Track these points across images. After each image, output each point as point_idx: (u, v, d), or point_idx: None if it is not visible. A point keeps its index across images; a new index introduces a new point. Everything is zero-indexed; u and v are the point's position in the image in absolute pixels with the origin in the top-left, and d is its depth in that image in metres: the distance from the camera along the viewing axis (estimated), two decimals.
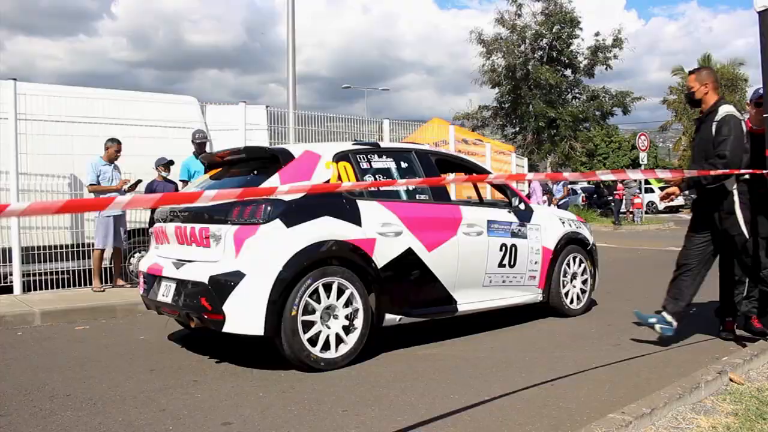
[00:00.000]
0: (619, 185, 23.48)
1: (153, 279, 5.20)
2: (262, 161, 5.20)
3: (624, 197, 23.73)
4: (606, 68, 28.42)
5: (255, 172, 5.10)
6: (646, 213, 27.06)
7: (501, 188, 6.54)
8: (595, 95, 27.88)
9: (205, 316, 4.59)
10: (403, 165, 5.49)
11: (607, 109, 28.00)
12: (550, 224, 6.44)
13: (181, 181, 8.66)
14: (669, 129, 50.67)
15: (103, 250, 8.20)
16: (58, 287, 8.26)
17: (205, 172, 6.05)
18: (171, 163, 8.59)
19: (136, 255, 9.09)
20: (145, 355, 5.22)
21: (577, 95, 28.94)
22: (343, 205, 4.85)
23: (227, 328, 4.48)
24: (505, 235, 5.94)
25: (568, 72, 29.32)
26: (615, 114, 28.49)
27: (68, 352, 5.37)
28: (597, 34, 28.28)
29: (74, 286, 8.35)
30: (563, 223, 6.62)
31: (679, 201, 35.86)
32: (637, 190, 24.86)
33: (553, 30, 27.75)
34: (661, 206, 33.23)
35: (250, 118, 10.31)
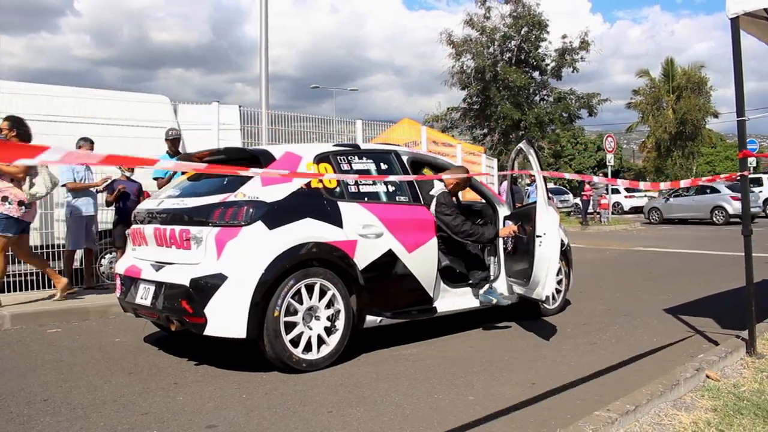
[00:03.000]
0: (587, 186, 23.81)
1: (131, 281, 5.12)
2: (243, 162, 5.15)
3: (591, 198, 24.08)
4: (573, 70, 28.74)
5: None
6: (612, 214, 27.44)
7: (479, 190, 6.60)
8: (562, 97, 28.19)
9: (186, 319, 4.53)
10: (383, 166, 5.53)
11: (573, 111, 28.34)
12: None
13: (154, 179, 8.55)
14: (634, 131, 51.49)
15: (74, 251, 8.07)
16: (27, 289, 8.09)
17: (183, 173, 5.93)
18: None
19: (107, 256, 8.96)
20: (122, 357, 5.15)
21: (545, 97, 29.23)
22: (324, 207, 4.87)
23: (209, 332, 4.42)
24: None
25: (536, 74, 29.60)
26: (581, 116, 28.84)
27: (42, 356, 5.26)
28: (564, 37, 28.62)
29: (44, 288, 8.19)
30: None
31: (644, 202, 36.53)
32: (604, 191, 25.23)
33: (522, 32, 27.99)
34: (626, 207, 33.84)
35: (223, 117, 10.21)
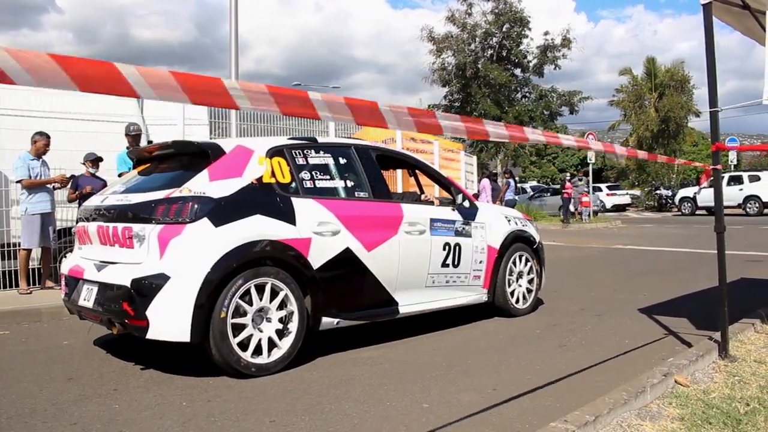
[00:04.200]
0: (568, 184, 23.66)
1: (75, 282, 4.87)
2: (192, 156, 4.92)
3: (572, 196, 23.94)
4: (555, 68, 28.66)
5: (187, 166, 4.81)
6: (596, 213, 27.36)
7: (445, 185, 6.35)
8: (543, 94, 28.08)
9: (128, 322, 4.29)
10: (342, 161, 5.25)
11: (554, 108, 28.22)
12: (496, 222, 6.28)
13: (119, 175, 8.24)
14: (617, 129, 51.44)
15: (30, 250, 7.76)
16: None
17: (134, 167, 5.67)
18: (100, 159, 8.15)
19: (68, 255, 8.64)
20: (66, 361, 4.87)
21: (527, 94, 29.11)
22: (276, 203, 4.62)
23: (151, 335, 4.18)
24: (449, 233, 5.74)
25: (518, 71, 29.47)
26: (563, 114, 28.74)
27: None
28: (546, 34, 28.52)
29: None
30: (509, 221, 6.45)
31: (626, 200, 36.53)
32: (585, 189, 25.11)
33: (503, 29, 27.85)
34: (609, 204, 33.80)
35: (189, 112, 9.93)
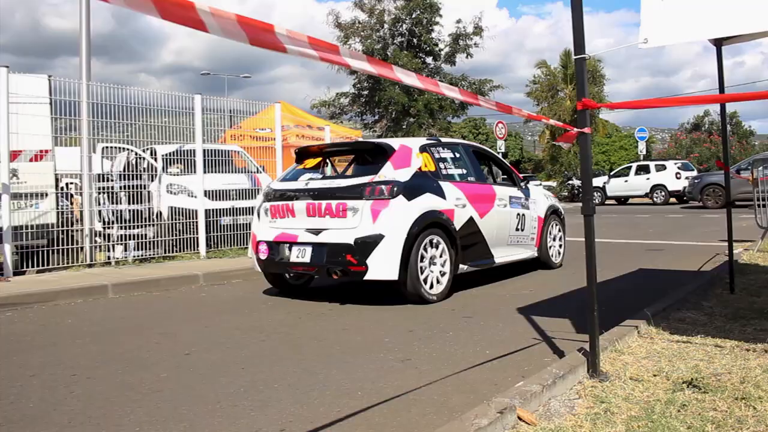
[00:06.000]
0: None
1: (281, 245, 6.38)
2: (373, 152, 6.70)
3: None
4: (467, 56, 27.97)
5: (370, 159, 6.64)
6: None
7: (509, 173, 8.22)
8: (454, 83, 27.31)
9: (350, 269, 5.89)
10: (456, 155, 7.17)
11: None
12: (540, 199, 8.43)
13: None
14: (533, 121, 51.70)
15: None
16: None
17: (298, 161, 7.18)
18: None
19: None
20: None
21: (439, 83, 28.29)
22: (433, 185, 6.43)
23: (369, 276, 5.85)
24: (518, 207, 7.73)
25: (430, 59, 28.69)
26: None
27: None
28: (459, 22, 27.77)
29: None
30: (547, 198, 8.74)
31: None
32: None
33: (413, 15, 26.94)
34: None
35: (28, 89, 8.53)
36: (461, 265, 6.57)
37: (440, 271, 6.24)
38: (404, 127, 26.26)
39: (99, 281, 7.40)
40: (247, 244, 10.15)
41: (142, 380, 3.76)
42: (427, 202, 6.17)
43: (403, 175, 6.13)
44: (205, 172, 10.27)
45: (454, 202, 6.51)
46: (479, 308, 5.81)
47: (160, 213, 10.18)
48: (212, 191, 10.51)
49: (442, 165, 6.72)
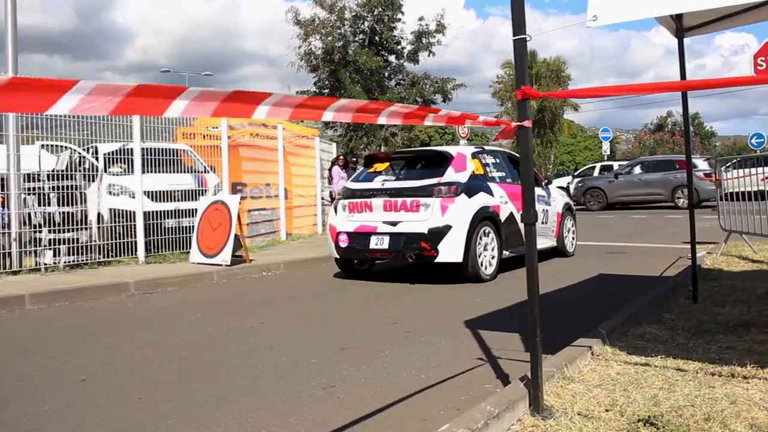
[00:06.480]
0: None
1: (362, 235, 7.59)
2: (437, 159, 7.94)
3: None
4: (429, 54, 27.48)
5: (433, 164, 7.86)
6: None
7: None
8: (416, 81, 26.82)
9: (424, 254, 7.22)
10: (497, 160, 8.50)
11: (427, 95, 26.94)
12: (558, 197, 9.87)
13: None
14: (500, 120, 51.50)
15: None
16: None
17: (366, 166, 8.58)
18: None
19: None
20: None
21: (401, 81, 27.78)
22: (485, 186, 7.76)
23: (439, 259, 7.19)
24: (543, 204, 9.03)
25: (393, 57, 28.17)
26: (435, 101, 27.46)
27: None
28: (421, 19, 27.26)
29: None
30: (562, 196, 10.26)
31: None
32: None
33: (374, 13, 26.40)
34: None
35: None
36: (504, 252, 7.87)
37: (491, 256, 7.61)
38: (364, 126, 25.67)
39: (17, 290, 6.77)
40: (189, 248, 9.59)
41: (24, 414, 3.21)
42: (481, 199, 7.55)
43: (463, 177, 7.52)
44: (147, 171, 9.65)
45: (499, 200, 7.88)
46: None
47: (101, 215, 9.58)
48: (155, 192, 9.90)
49: (488, 169, 8.10)
